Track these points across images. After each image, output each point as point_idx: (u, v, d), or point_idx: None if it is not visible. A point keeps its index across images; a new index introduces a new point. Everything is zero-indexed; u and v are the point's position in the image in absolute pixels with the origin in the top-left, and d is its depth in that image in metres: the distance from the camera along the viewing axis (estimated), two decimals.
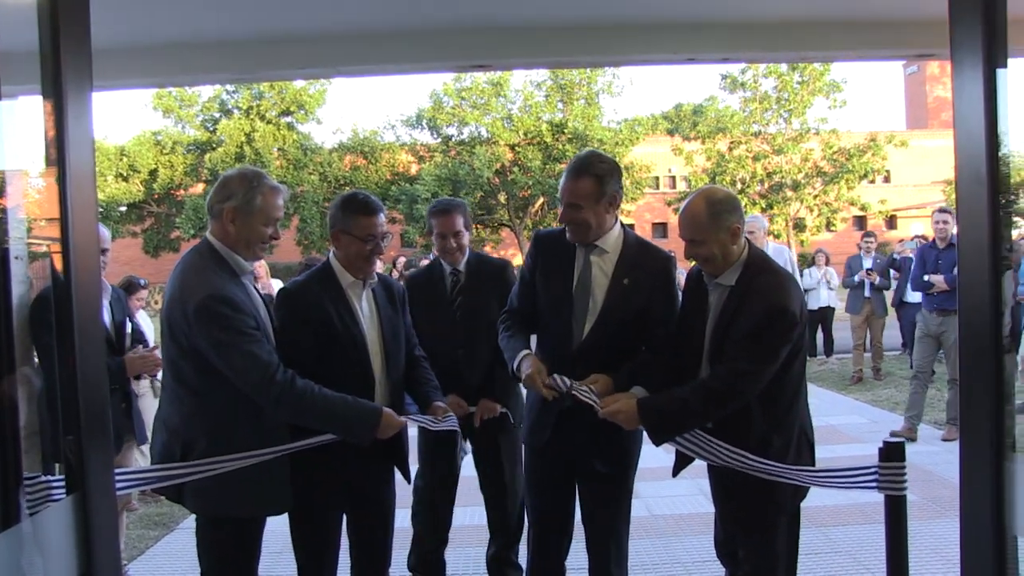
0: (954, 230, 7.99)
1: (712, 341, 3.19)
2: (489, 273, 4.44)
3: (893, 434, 6.92)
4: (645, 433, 3.28)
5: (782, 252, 7.03)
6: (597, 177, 3.33)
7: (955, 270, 7.42)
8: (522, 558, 4.59)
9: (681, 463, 3.46)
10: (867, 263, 11.83)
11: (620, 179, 3.46)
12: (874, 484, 2.82)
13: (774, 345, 3.01)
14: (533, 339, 3.65)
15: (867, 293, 11.59)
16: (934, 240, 8.64)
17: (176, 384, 3.12)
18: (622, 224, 3.52)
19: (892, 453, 2.81)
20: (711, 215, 3.12)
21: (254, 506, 3.17)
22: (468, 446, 4.41)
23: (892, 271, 12.01)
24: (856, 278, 11.75)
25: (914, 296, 9.88)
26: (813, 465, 3.24)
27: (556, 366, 3.38)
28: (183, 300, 2.99)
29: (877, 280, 11.56)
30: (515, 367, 3.46)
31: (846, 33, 3.71)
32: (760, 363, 3.00)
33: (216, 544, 3.19)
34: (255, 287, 3.36)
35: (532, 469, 3.70)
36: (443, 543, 4.64)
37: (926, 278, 8.19)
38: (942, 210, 8.58)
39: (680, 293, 3.52)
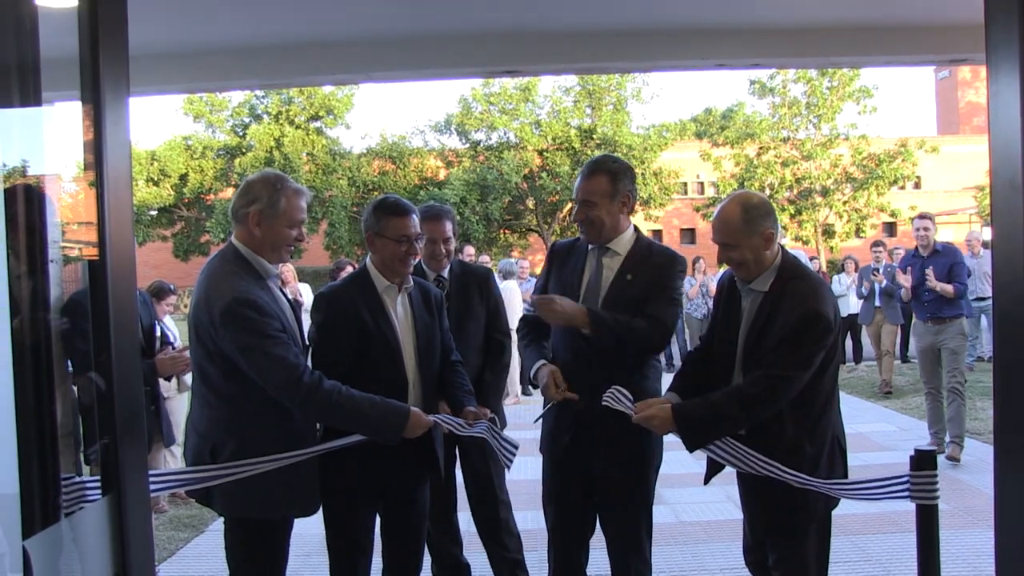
0: (936, 236, 8.14)
1: (745, 347, 3.18)
2: (473, 279, 4.48)
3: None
4: (675, 439, 3.27)
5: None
6: (610, 174, 3.42)
7: (949, 276, 7.60)
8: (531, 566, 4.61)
9: (712, 470, 3.45)
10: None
11: (634, 180, 3.53)
12: (906, 493, 2.79)
13: (809, 351, 2.99)
14: (515, 349, 3.68)
15: (877, 302, 11.58)
16: (916, 248, 8.22)
17: (203, 387, 3.14)
18: (636, 229, 3.57)
19: (924, 462, 2.78)
20: (745, 220, 3.11)
21: (281, 507, 3.19)
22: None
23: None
24: (864, 289, 11.83)
25: None
26: (846, 473, 3.21)
27: (571, 365, 3.49)
28: (209, 303, 3.02)
29: (884, 282, 11.45)
30: (532, 376, 3.58)
31: (877, 38, 3.68)
32: (795, 369, 2.98)
33: (243, 545, 3.21)
34: (282, 290, 3.39)
35: (550, 478, 3.71)
36: (459, 546, 4.66)
37: (932, 286, 7.69)
38: (923, 216, 8.24)
39: (680, 286, 3.62)
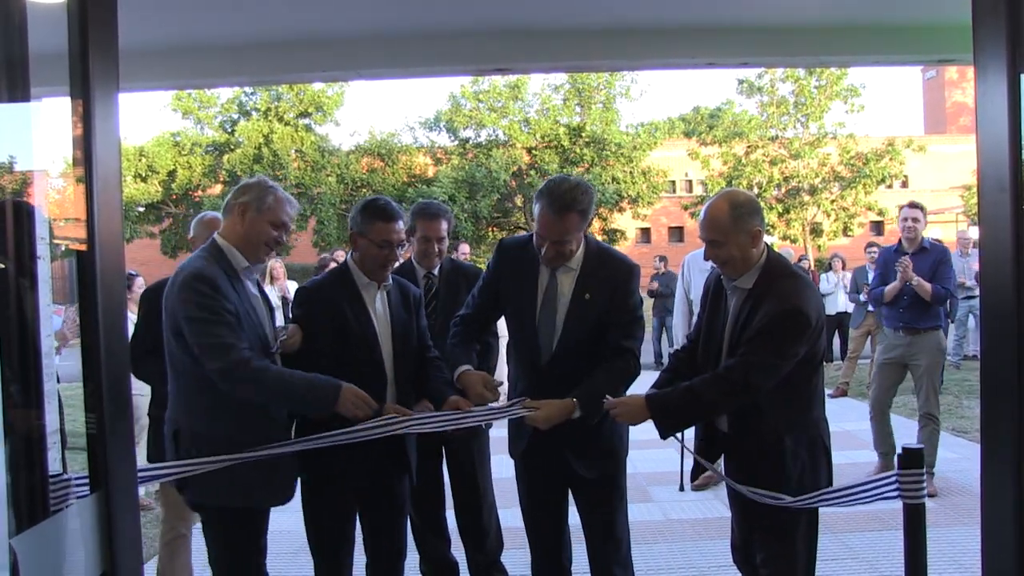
0: (926, 232, 6.90)
1: (729, 343, 3.19)
2: (463, 278, 4.46)
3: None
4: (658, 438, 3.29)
5: None
6: (582, 211, 3.30)
7: (933, 276, 6.40)
8: (507, 564, 4.62)
9: (699, 469, 3.47)
10: (872, 274, 11.64)
11: (595, 199, 3.43)
12: (895, 492, 2.80)
13: (786, 344, 3.01)
14: (503, 349, 3.65)
15: (871, 307, 11.40)
16: (899, 243, 6.85)
17: (169, 366, 3.21)
18: (584, 235, 3.48)
19: (911, 460, 2.79)
20: (733, 217, 3.12)
21: (255, 497, 3.21)
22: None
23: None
24: (862, 296, 10.98)
25: None
26: (830, 472, 3.22)
27: (529, 379, 3.47)
28: (173, 281, 3.14)
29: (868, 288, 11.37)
30: (455, 379, 3.51)
31: (866, 38, 3.70)
32: (771, 357, 3.00)
33: (220, 535, 3.25)
34: (262, 291, 3.43)
35: (519, 479, 3.72)
36: (447, 543, 4.67)
37: (915, 282, 6.44)
38: (912, 204, 6.88)
39: (640, 297, 3.58)
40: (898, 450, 6.32)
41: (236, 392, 3.06)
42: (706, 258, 3.27)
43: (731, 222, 3.12)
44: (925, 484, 2.79)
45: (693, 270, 6.29)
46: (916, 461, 2.79)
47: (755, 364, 3.01)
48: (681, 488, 6.30)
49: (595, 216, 3.36)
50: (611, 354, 3.40)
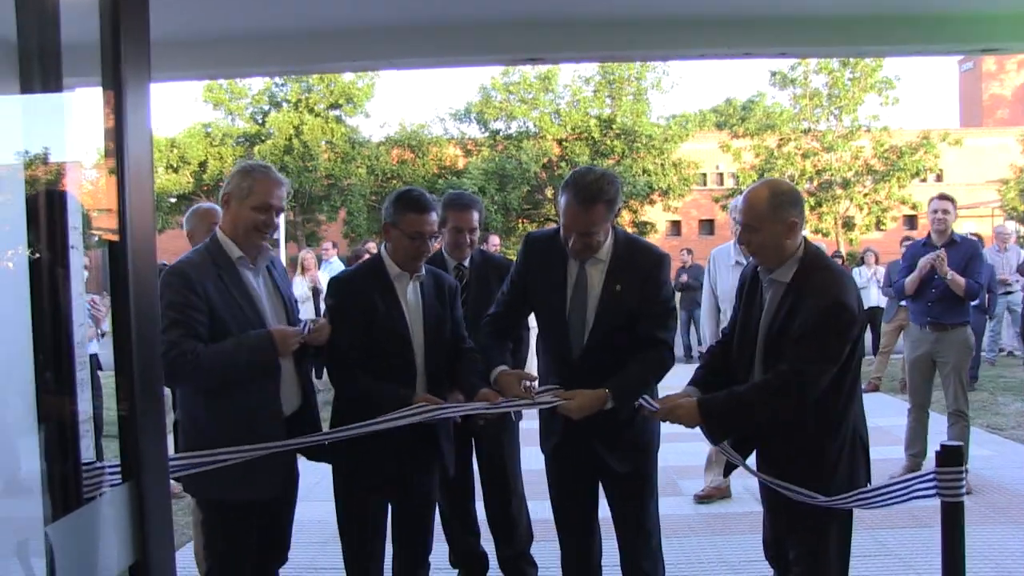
0: (959, 226, 6.72)
1: (766, 339, 3.14)
2: (494, 270, 4.44)
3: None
4: (684, 430, 3.27)
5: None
6: (608, 202, 3.26)
7: (964, 271, 6.26)
8: (537, 556, 4.60)
9: (730, 466, 3.43)
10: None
11: (621, 190, 3.38)
12: (932, 491, 2.75)
13: (835, 344, 2.96)
14: (533, 342, 3.62)
15: (903, 300, 11.16)
16: (929, 236, 6.71)
17: None
18: (612, 225, 3.44)
19: (949, 458, 2.73)
20: (772, 205, 3.07)
21: (245, 490, 3.20)
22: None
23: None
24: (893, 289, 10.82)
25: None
26: (868, 471, 3.17)
27: (560, 373, 3.43)
28: None
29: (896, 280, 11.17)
30: (492, 382, 3.48)
31: (906, 28, 3.61)
32: (822, 362, 2.95)
33: (211, 526, 3.30)
34: (275, 277, 3.45)
35: (549, 472, 3.70)
36: (476, 536, 4.67)
37: (949, 276, 6.25)
38: (942, 196, 6.68)
39: (671, 287, 3.53)
40: (929, 450, 6.27)
41: (189, 384, 3.12)
42: (740, 242, 3.23)
43: (769, 209, 3.07)
44: (964, 482, 2.73)
45: (719, 265, 6.21)
46: (955, 459, 2.73)
47: (806, 372, 2.96)
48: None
49: (625, 208, 3.32)
50: (644, 346, 3.37)
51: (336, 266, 12.48)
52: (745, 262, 5.87)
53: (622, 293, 3.35)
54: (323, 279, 12.55)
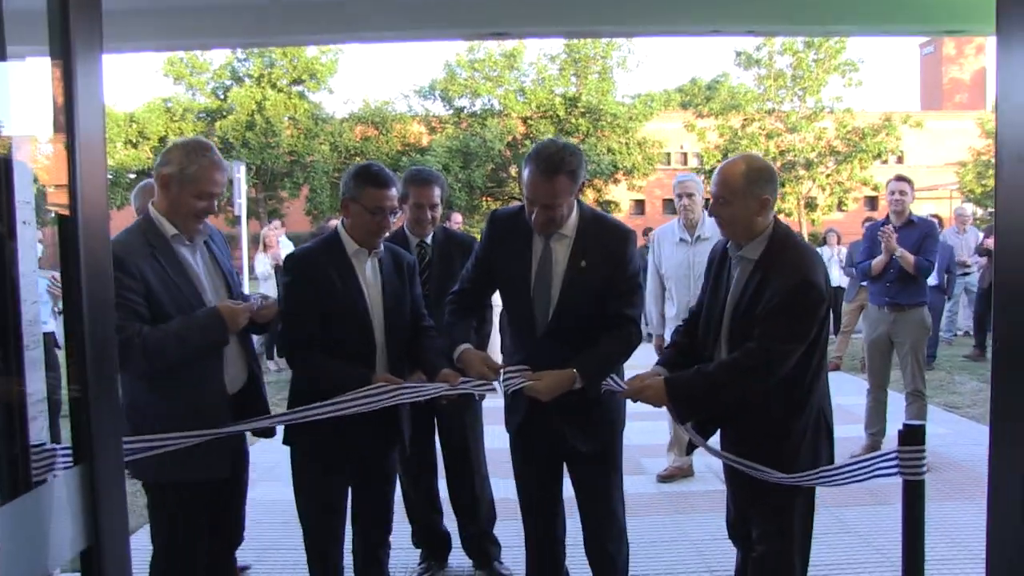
0: (917, 208, 6.86)
1: (733, 316, 3.14)
2: (457, 247, 4.39)
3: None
4: (648, 408, 3.26)
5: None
6: (571, 173, 3.21)
7: (918, 249, 6.38)
8: (500, 535, 4.60)
9: (692, 445, 3.44)
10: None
11: (585, 162, 3.35)
12: (894, 469, 2.76)
13: (803, 322, 2.96)
14: (496, 320, 3.59)
15: (864, 281, 11.27)
16: (887, 217, 6.83)
17: None
18: (577, 200, 3.40)
19: (911, 437, 2.74)
20: (747, 180, 3.06)
21: (189, 471, 3.14)
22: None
23: None
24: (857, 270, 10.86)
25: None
26: (831, 451, 3.18)
27: (524, 350, 3.39)
28: None
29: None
30: (455, 358, 3.45)
31: (876, 6, 3.61)
32: (791, 341, 2.95)
33: (158, 508, 3.22)
34: (214, 252, 3.37)
35: (513, 451, 3.66)
36: (439, 515, 4.66)
37: (898, 253, 6.39)
38: (899, 178, 6.83)
39: (638, 264, 3.47)
40: (889, 429, 6.33)
41: (137, 370, 3.02)
42: (710, 213, 3.21)
43: (744, 184, 3.06)
44: (925, 461, 2.75)
45: (663, 243, 6.21)
46: (916, 438, 2.74)
47: (774, 350, 2.95)
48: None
49: (589, 186, 3.27)
50: (611, 323, 3.34)
51: (284, 245, 12.35)
52: (690, 239, 5.92)
53: (587, 269, 3.30)
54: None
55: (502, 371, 3.32)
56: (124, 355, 2.90)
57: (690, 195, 6.00)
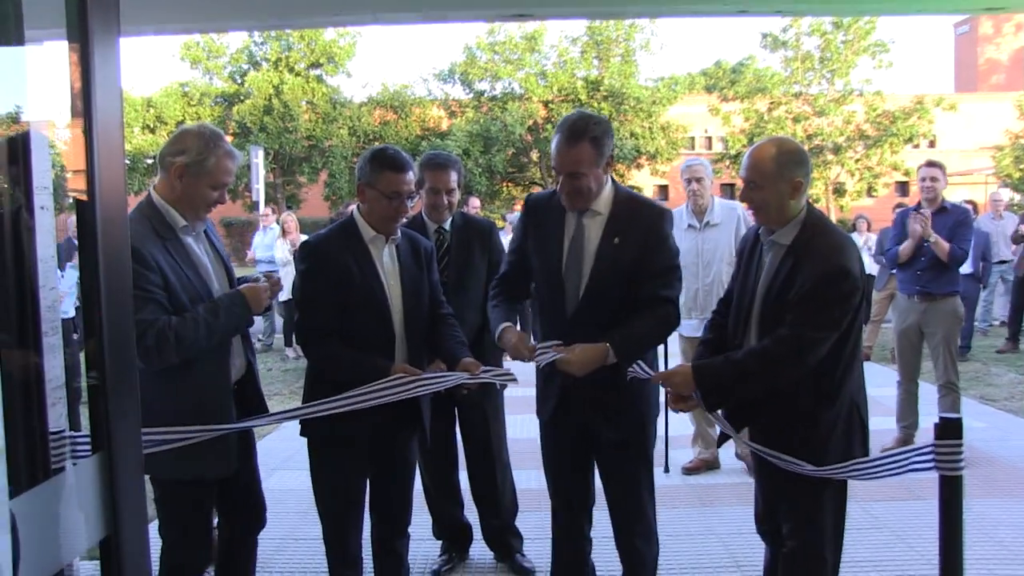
0: (949, 194, 6.68)
1: (764, 301, 3.11)
2: (476, 233, 4.37)
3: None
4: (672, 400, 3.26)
5: (734, 208, 5.75)
6: (594, 140, 3.21)
7: (951, 236, 6.22)
8: (522, 527, 4.60)
9: (725, 434, 3.41)
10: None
11: (612, 135, 3.35)
12: (930, 464, 2.73)
13: (837, 310, 2.92)
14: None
15: (894, 268, 11.09)
16: (919, 203, 6.66)
17: None
18: (613, 180, 3.41)
19: (948, 430, 2.71)
20: (778, 163, 3.03)
21: (191, 468, 3.14)
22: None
23: None
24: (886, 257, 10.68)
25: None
26: (865, 445, 3.14)
27: (554, 332, 3.36)
28: None
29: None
30: (496, 338, 3.46)
31: None
32: (823, 329, 2.91)
33: (167, 503, 3.22)
34: (213, 241, 3.37)
35: (544, 441, 3.65)
36: (460, 507, 4.66)
37: (932, 239, 6.23)
38: (930, 163, 6.67)
39: (675, 245, 3.46)
40: (921, 421, 6.26)
41: (174, 360, 2.99)
42: (741, 199, 3.19)
43: (775, 167, 3.03)
44: (963, 455, 2.71)
45: (676, 228, 6.16)
46: (954, 431, 2.71)
47: (806, 338, 2.91)
48: (666, 470, 6.07)
49: (612, 159, 3.26)
50: (647, 305, 3.31)
51: (277, 232, 12.38)
52: (699, 225, 5.86)
53: (620, 246, 3.28)
54: (259, 247, 12.47)
55: (536, 349, 3.29)
56: (159, 348, 2.92)
57: (699, 179, 5.91)
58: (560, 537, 3.69)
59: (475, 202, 12.07)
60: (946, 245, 6.24)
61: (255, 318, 3.37)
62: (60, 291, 6.53)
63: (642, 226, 3.33)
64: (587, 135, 3.19)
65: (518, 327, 3.67)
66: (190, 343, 3.00)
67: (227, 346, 3.22)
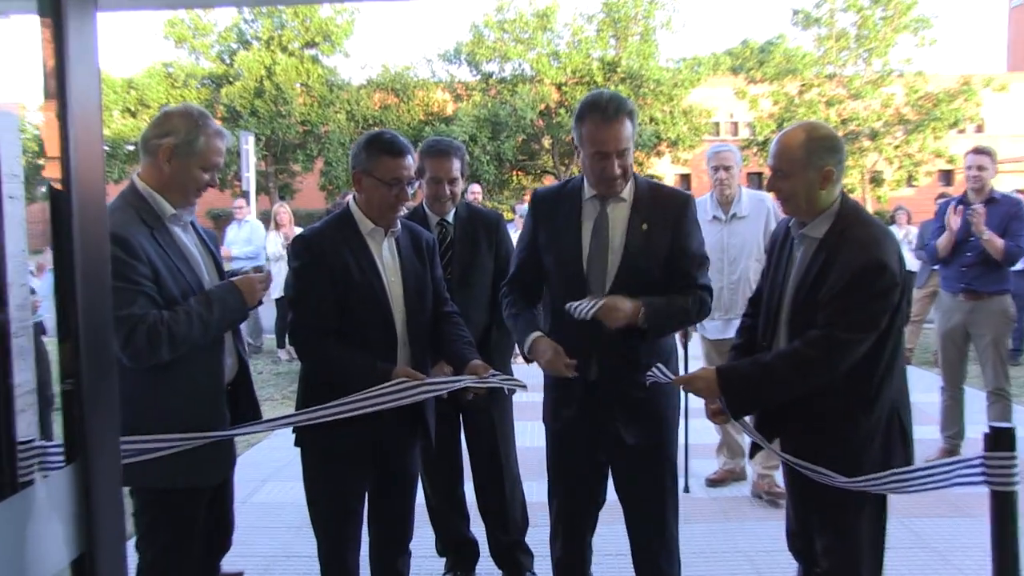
0: (997, 183, 6.59)
1: (794, 298, 3.09)
2: (482, 225, 4.34)
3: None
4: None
5: (763, 200, 5.70)
6: (631, 114, 3.26)
7: (1003, 231, 6.11)
8: (532, 543, 4.58)
9: (758, 445, 3.38)
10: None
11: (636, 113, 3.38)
12: (979, 477, 2.69)
13: (874, 308, 2.89)
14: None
15: (935, 264, 10.94)
16: (964, 194, 6.52)
17: None
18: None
19: (1000, 441, 2.66)
20: (807, 150, 3.01)
21: (181, 477, 3.12)
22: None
23: None
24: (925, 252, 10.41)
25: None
26: (908, 454, 3.10)
27: (575, 333, 3.31)
28: None
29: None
30: (527, 351, 3.43)
31: None
32: (859, 330, 2.88)
33: (152, 516, 3.19)
34: (199, 231, 3.36)
35: (554, 453, 3.62)
36: (465, 521, 4.64)
37: (986, 236, 6.11)
38: (978, 150, 6.49)
39: (701, 234, 3.49)
40: (967, 430, 6.19)
41: (166, 358, 2.97)
42: (767, 189, 3.18)
43: (804, 154, 3.01)
44: (1017, 469, 2.67)
45: (700, 219, 6.12)
46: (1006, 442, 2.66)
47: (840, 340, 2.89)
48: (686, 489, 5.89)
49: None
50: (680, 291, 3.33)
51: (254, 226, 12.38)
52: (724, 217, 5.81)
53: (650, 231, 3.31)
54: (236, 243, 12.43)
55: (568, 306, 3.21)
56: (151, 346, 2.91)
57: (727, 168, 5.82)
58: (566, 553, 3.67)
59: (475, 188, 11.94)
60: (1000, 242, 6.13)
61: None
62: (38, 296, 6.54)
63: (671, 210, 3.36)
64: (624, 109, 3.23)
65: None
66: (183, 339, 2.98)
67: (220, 343, 3.22)
